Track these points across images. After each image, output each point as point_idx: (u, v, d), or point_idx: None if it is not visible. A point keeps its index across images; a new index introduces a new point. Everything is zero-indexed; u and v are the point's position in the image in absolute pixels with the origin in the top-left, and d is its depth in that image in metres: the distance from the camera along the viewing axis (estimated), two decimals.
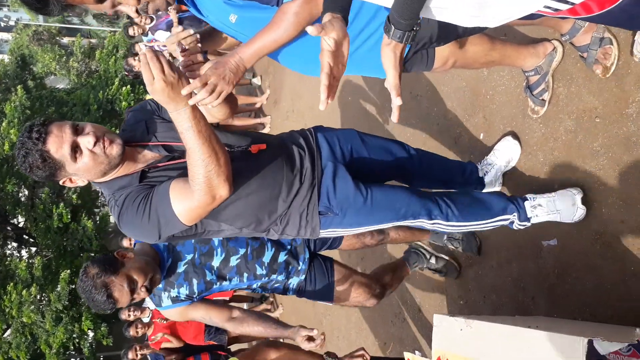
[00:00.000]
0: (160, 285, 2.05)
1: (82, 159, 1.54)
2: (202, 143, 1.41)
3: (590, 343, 1.31)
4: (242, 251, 2.18)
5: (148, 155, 1.69)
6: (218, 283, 2.18)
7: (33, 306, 9.03)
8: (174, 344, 4.58)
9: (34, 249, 11.85)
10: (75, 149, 1.53)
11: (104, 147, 1.55)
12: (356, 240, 2.55)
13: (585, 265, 1.96)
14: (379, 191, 1.81)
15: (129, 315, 4.89)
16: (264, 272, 2.22)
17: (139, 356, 4.53)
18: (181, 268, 2.10)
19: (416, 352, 1.98)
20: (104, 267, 1.89)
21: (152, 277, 1.98)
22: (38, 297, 9.31)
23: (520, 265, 2.27)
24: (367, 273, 2.67)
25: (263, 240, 2.23)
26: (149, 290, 1.97)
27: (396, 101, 1.12)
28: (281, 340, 2.51)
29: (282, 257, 2.26)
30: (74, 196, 10.15)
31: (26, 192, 11.39)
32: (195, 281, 2.12)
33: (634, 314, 1.73)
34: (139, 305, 5.05)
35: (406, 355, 2.05)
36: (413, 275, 3.14)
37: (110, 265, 1.91)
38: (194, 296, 2.15)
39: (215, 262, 2.16)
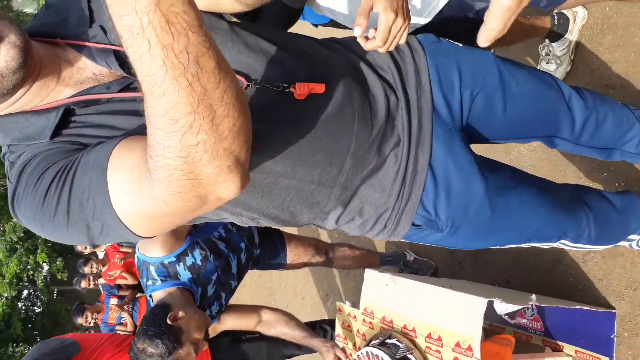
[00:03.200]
0: None
1: None
2: (180, 86, 0.58)
3: (490, 303, 1.47)
4: (214, 278, 1.96)
5: (87, 71, 0.87)
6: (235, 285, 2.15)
7: None
8: (129, 281, 4.71)
9: None
10: None
11: None
12: (298, 261, 2.47)
13: None
14: (515, 198, 1.12)
15: (85, 248, 4.95)
16: (236, 282, 2.13)
17: (92, 285, 4.64)
18: (211, 291, 1.96)
19: (347, 302, 2.14)
20: (170, 345, 1.66)
21: (208, 325, 1.83)
22: None
23: None
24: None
25: (224, 254, 2.06)
26: (208, 339, 1.82)
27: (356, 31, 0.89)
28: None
29: (244, 258, 2.17)
30: None
31: None
32: (223, 294, 2.04)
33: (540, 283, 1.93)
34: None
35: (338, 304, 2.22)
36: (357, 237, 3.31)
37: (174, 339, 1.68)
38: (223, 308, 2.09)
39: (234, 269, 2.09)
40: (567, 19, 2.08)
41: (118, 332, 4.25)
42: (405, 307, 1.81)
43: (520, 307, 1.62)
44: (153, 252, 1.84)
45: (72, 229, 0.79)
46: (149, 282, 1.85)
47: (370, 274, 2.05)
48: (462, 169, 1.05)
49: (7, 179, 0.87)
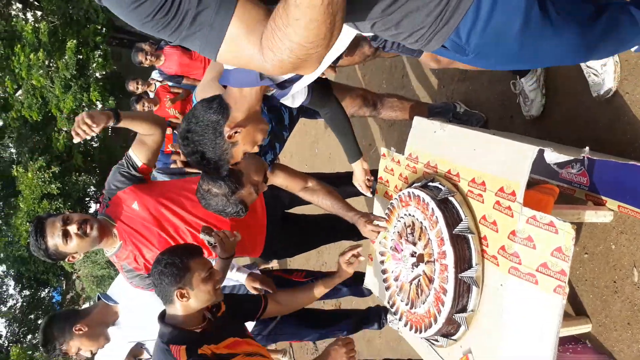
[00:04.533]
0: None
1: None
2: None
3: (540, 151, 1.46)
4: (268, 129, 2.01)
5: None
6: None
7: (42, 71, 9.24)
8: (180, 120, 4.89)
9: (39, 13, 11.64)
10: None
11: None
12: (346, 105, 2.40)
13: (567, 89, 2.04)
14: (550, 40, 1.17)
15: (137, 88, 5.06)
16: (288, 133, 2.18)
17: (146, 107, 4.86)
18: (266, 141, 2.02)
19: (391, 148, 2.17)
20: (233, 186, 1.80)
21: (265, 169, 1.94)
22: (46, 62, 9.47)
23: (506, 84, 2.34)
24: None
25: (275, 107, 2.10)
26: (266, 182, 1.96)
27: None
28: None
29: (295, 110, 2.18)
30: None
31: None
32: (277, 144, 2.11)
33: (595, 139, 1.88)
34: (145, 79, 5.21)
35: (382, 150, 2.25)
36: (407, 85, 3.23)
37: (235, 180, 1.81)
38: (277, 157, 2.17)
39: (287, 121, 2.13)
40: None
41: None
42: (451, 153, 1.82)
43: (571, 158, 1.60)
44: None
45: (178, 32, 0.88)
46: None
47: (418, 121, 2.04)
48: (509, 2, 1.06)
49: None
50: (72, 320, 2.18)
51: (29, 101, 9.59)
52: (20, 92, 10.06)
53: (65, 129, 10.21)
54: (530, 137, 2.19)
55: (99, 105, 10.90)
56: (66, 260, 2.12)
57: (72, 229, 2.01)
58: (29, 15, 12.09)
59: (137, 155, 2.17)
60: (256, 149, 1.57)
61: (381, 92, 2.72)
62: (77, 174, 11.08)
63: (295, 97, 1.94)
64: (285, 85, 1.41)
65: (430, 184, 1.83)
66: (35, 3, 11.54)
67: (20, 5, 12.00)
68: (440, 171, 1.85)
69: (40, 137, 10.73)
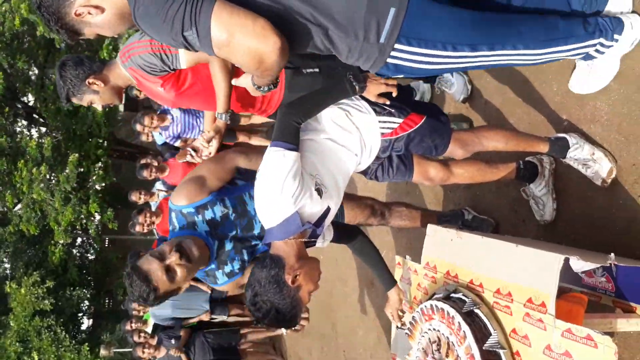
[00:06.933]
0: (213, 266, 1.96)
1: None
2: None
3: (566, 260, 1.43)
4: (231, 234, 1.99)
5: None
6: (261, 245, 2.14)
7: (43, 184, 9.33)
8: None
9: (43, 129, 12.04)
10: None
11: None
12: (354, 221, 2.48)
13: (579, 194, 2.06)
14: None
15: (140, 198, 5.04)
16: (259, 242, 2.10)
17: (146, 229, 4.78)
18: (229, 246, 1.99)
19: (407, 256, 2.14)
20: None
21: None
22: (47, 176, 9.60)
23: (516, 189, 2.37)
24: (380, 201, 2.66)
25: (249, 215, 2.04)
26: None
27: None
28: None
29: None
30: None
31: (36, 71, 11.34)
32: (245, 251, 2.04)
33: (612, 244, 1.86)
34: (149, 190, 5.22)
35: (398, 258, 2.22)
36: (412, 191, 3.27)
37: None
38: (246, 265, 2.09)
39: (257, 230, 2.06)
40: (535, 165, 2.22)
41: None
42: (471, 262, 1.79)
43: (597, 265, 1.57)
44: (177, 200, 1.88)
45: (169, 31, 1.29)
46: (171, 227, 1.95)
47: (433, 229, 2.03)
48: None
49: None
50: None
51: (28, 215, 9.58)
52: (19, 206, 10.09)
53: (62, 241, 10.11)
54: (546, 241, 2.18)
55: (97, 217, 10.91)
56: None
57: None
58: (33, 131, 12.49)
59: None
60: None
61: (388, 201, 2.74)
62: (72, 288, 10.78)
63: (325, 237, 1.94)
64: (320, 222, 1.50)
65: (453, 295, 1.78)
66: (41, 120, 11.96)
67: (25, 122, 12.44)
68: (462, 281, 1.81)
69: (36, 251, 10.60)
